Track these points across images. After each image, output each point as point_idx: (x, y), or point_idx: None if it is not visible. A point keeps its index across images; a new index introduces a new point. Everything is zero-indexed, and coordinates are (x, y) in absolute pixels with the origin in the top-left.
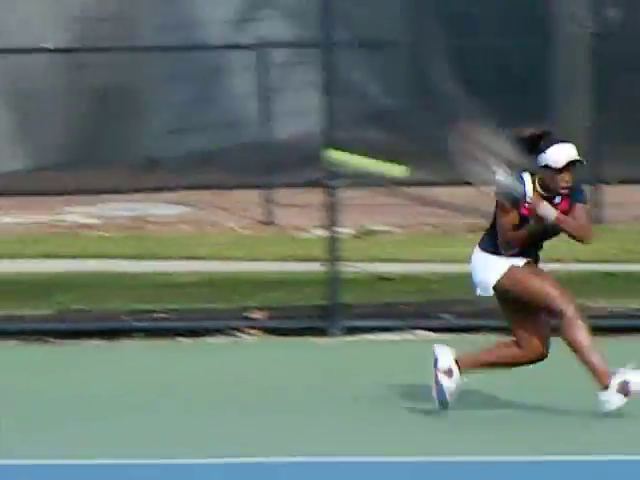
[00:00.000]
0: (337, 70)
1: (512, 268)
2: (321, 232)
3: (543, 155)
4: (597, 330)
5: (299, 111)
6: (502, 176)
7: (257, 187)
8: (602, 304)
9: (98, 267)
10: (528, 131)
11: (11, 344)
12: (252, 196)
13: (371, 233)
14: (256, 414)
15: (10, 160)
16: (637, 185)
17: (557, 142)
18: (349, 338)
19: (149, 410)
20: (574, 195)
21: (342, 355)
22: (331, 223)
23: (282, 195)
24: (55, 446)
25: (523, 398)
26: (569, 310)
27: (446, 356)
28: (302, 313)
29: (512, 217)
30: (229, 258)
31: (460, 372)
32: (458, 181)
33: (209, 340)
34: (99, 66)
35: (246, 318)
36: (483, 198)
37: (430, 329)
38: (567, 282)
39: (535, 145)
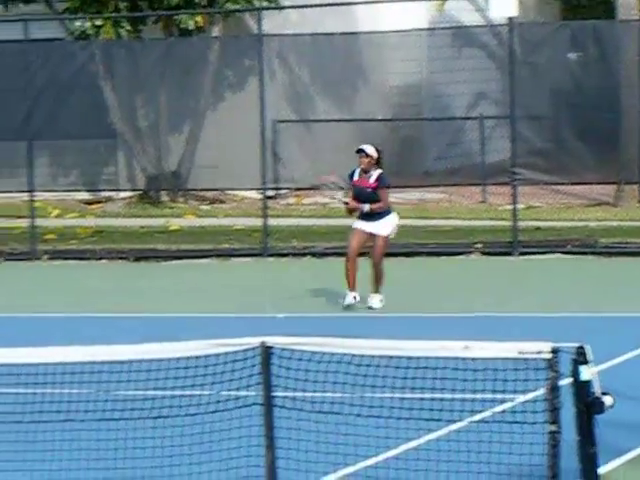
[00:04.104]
0: (516, 130)
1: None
2: (508, 206)
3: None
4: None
5: (499, 149)
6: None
7: (478, 185)
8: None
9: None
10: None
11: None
12: (477, 189)
13: (532, 207)
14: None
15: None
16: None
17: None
18: (523, 257)
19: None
20: (381, 180)
21: (519, 266)
22: (513, 201)
23: (490, 188)
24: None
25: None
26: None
27: None
28: (500, 244)
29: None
30: (462, 218)
31: None
32: (574, 181)
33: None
34: (404, 126)
35: (471, 246)
36: (587, 189)
37: (563, 252)
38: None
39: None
